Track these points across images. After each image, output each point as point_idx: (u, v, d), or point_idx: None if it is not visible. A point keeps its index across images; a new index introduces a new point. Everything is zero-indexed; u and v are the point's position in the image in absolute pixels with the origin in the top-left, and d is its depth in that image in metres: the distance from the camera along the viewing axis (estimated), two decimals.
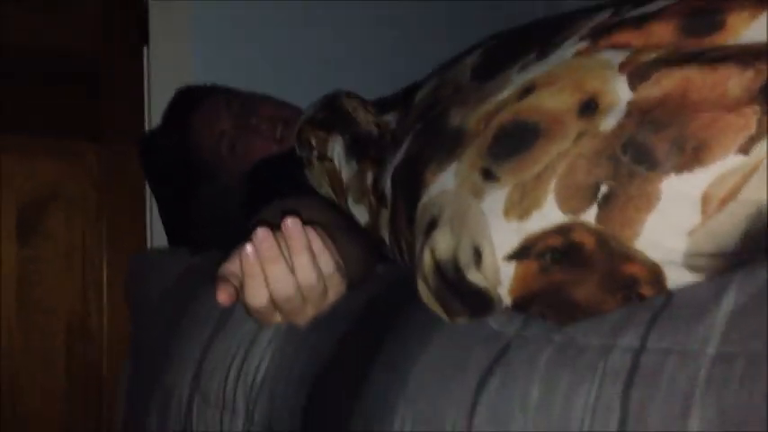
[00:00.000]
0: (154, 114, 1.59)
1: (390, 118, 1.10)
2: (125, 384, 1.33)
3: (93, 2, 1.59)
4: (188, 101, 1.39)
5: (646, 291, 0.61)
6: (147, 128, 1.62)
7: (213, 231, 1.32)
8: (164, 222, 1.53)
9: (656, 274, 0.60)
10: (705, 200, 0.56)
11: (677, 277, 0.60)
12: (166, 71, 1.64)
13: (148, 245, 1.63)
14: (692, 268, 0.59)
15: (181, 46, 1.66)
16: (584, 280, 0.62)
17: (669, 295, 0.61)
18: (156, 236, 1.61)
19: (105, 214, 1.58)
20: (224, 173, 1.34)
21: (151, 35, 1.64)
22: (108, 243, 1.58)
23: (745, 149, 0.55)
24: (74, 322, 1.55)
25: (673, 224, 0.58)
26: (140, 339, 1.29)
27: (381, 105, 1.17)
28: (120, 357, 1.50)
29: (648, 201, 0.58)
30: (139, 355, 1.26)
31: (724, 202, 0.56)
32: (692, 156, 0.57)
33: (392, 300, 0.86)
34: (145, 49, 1.65)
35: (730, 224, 0.56)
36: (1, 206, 1.48)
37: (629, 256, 0.60)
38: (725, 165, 0.56)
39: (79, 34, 1.58)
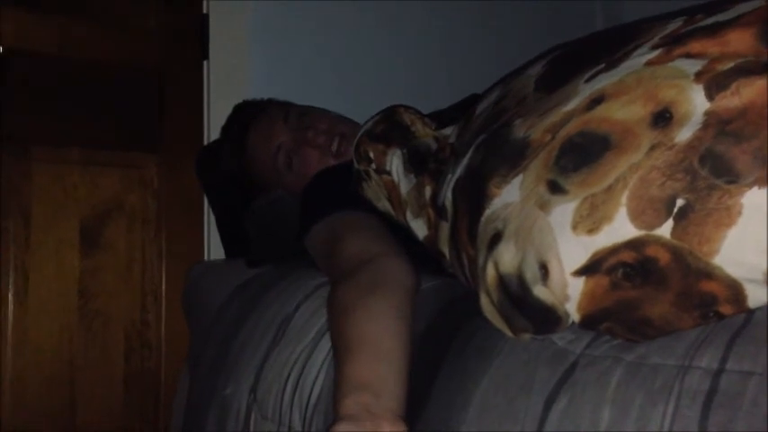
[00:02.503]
0: (213, 127, 1.61)
1: (449, 131, 1.09)
2: (183, 394, 1.34)
3: (155, 17, 1.62)
4: (246, 115, 1.41)
5: (724, 309, 0.58)
6: (205, 141, 1.64)
7: (269, 243, 1.32)
8: (221, 234, 1.54)
9: (735, 292, 0.57)
10: None
11: (759, 296, 0.57)
12: (225, 85, 1.66)
13: (206, 256, 1.65)
14: None
15: (240, 60, 1.68)
16: (659, 297, 0.60)
17: (750, 314, 0.58)
18: (214, 247, 1.63)
19: (164, 225, 1.61)
20: (281, 186, 1.34)
21: (211, 49, 1.66)
22: (167, 254, 1.60)
23: None
24: (132, 332, 1.57)
25: (755, 240, 0.55)
26: (198, 350, 1.30)
27: (440, 118, 1.16)
28: (178, 367, 1.51)
29: (729, 215, 0.56)
30: (197, 366, 1.27)
31: None
32: None
33: (452, 318, 0.85)
34: (205, 63, 1.67)
35: None
36: (65, 218, 1.51)
37: (707, 273, 0.57)
38: None
39: (140, 49, 1.61)
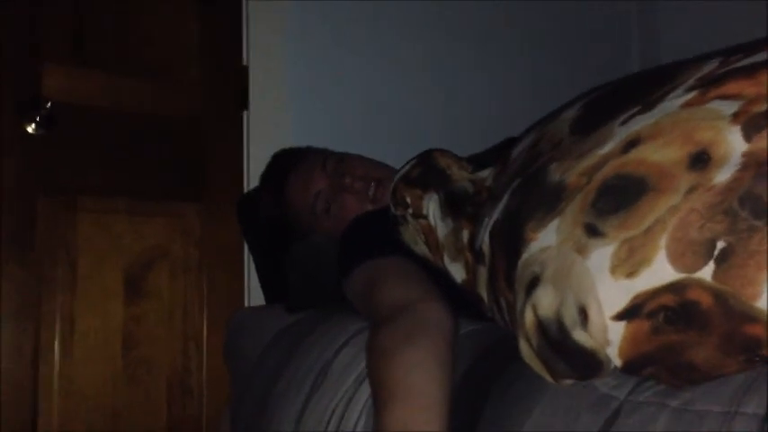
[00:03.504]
0: (253, 176, 1.64)
1: (486, 174, 1.09)
2: None
3: (196, 69, 1.67)
4: (284, 162, 1.43)
5: None
6: (246, 189, 1.67)
7: (308, 288, 1.33)
8: (260, 280, 1.55)
9: None
10: None
11: None
12: (265, 135, 1.69)
13: (246, 303, 1.66)
14: None
15: (278, 110, 1.72)
16: (702, 341, 0.59)
17: None
18: (254, 294, 1.64)
19: (206, 273, 1.63)
20: (319, 232, 1.35)
21: (251, 101, 1.70)
22: (208, 301, 1.62)
23: None
24: (175, 378, 1.59)
25: None
26: (239, 396, 1.30)
27: (476, 162, 1.16)
28: (220, 413, 1.51)
29: None
30: (238, 412, 1.27)
31: None
32: None
33: (492, 363, 0.84)
34: (245, 113, 1.71)
35: None
36: (109, 267, 1.55)
37: (751, 317, 0.56)
38: None
39: (182, 100, 1.66)
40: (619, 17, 2.23)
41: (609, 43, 2.20)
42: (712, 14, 2.03)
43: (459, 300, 0.98)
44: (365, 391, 0.94)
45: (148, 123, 1.61)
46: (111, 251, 1.55)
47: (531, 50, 2.08)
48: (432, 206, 1.10)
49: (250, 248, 1.59)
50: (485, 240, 0.88)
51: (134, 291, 1.56)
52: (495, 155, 1.12)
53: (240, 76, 1.71)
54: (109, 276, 1.54)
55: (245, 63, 1.71)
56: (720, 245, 0.57)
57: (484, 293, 0.92)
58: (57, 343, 1.48)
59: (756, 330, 0.56)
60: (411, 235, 1.12)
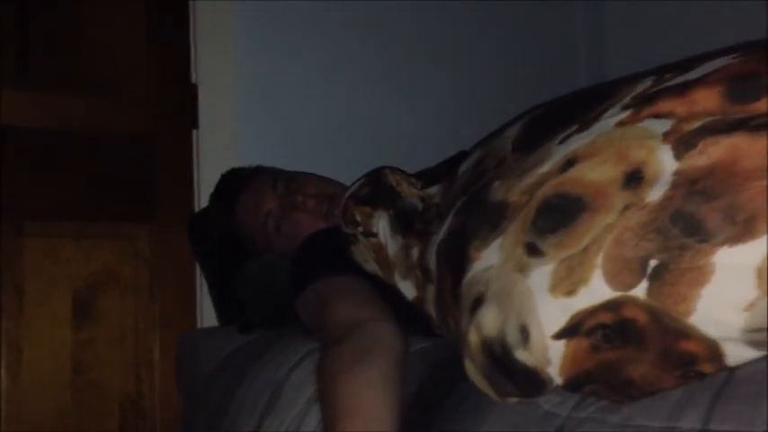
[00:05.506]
0: (203, 196, 1.62)
1: (435, 191, 1.10)
2: None
3: (144, 89, 1.65)
4: (234, 182, 1.42)
5: (705, 368, 0.58)
6: (196, 209, 1.65)
7: (261, 308, 1.32)
8: (213, 300, 1.54)
9: (714, 350, 0.57)
10: (761, 273, 0.54)
11: (737, 354, 0.57)
12: (216, 154, 1.68)
13: (199, 324, 1.64)
14: (753, 344, 0.56)
15: (229, 129, 1.71)
16: (639, 358, 0.60)
17: (730, 373, 0.58)
18: (207, 315, 1.62)
19: (157, 295, 1.60)
20: (271, 251, 1.35)
21: (201, 119, 1.69)
22: (160, 323, 1.60)
23: None
24: (127, 403, 1.56)
25: (729, 299, 0.55)
26: (191, 418, 1.29)
27: (426, 178, 1.17)
28: None
29: (702, 274, 0.56)
30: None
31: None
32: (744, 227, 0.54)
33: (443, 380, 0.84)
34: (195, 132, 1.69)
35: None
36: (58, 292, 1.52)
37: (685, 333, 0.57)
38: None
39: (130, 120, 1.63)
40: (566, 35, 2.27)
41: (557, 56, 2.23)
42: (656, 15, 2.08)
43: (410, 316, 0.98)
44: (316, 413, 0.93)
45: (96, 143, 1.58)
46: (60, 275, 1.52)
47: (477, 59, 2.09)
48: (382, 224, 1.10)
49: (202, 269, 1.58)
50: (432, 258, 0.89)
51: (84, 315, 1.53)
52: (445, 170, 1.13)
53: (189, 95, 1.69)
54: (57, 301, 1.51)
55: (194, 81, 1.70)
56: (653, 263, 0.58)
57: (433, 311, 0.92)
58: (3, 369, 1.45)
59: (690, 346, 0.58)
60: (362, 253, 1.12)
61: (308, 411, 0.97)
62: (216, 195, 1.46)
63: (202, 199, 1.62)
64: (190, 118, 1.69)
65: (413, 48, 1.98)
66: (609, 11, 2.22)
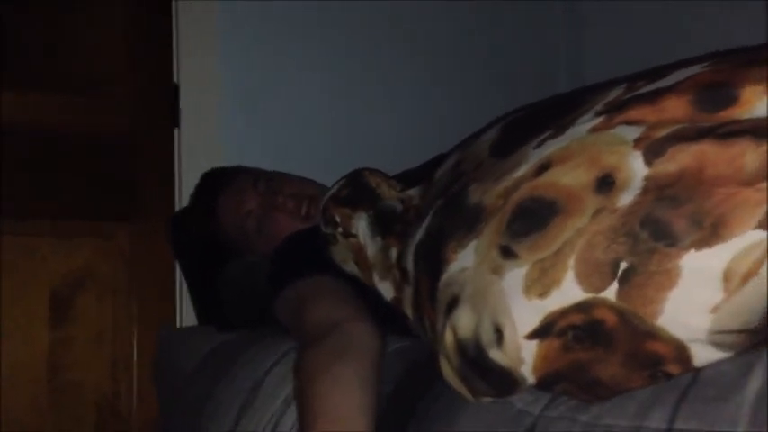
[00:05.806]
0: (184, 195, 1.62)
1: (414, 192, 1.11)
2: None
3: (125, 87, 1.65)
4: (215, 182, 1.42)
5: (672, 369, 0.60)
6: (177, 209, 1.65)
7: (241, 308, 1.33)
8: (193, 300, 1.54)
9: (681, 351, 0.59)
10: (727, 276, 0.55)
11: (703, 355, 0.58)
12: (196, 153, 1.68)
13: (178, 323, 1.64)
14: (718, 345, 0.57)
15: (211, 129, 1.71)
16: (608, 358, 0.61)
17: (696, 373, 0.59)
18: (186, 315, 1.62)
19: (135, 294, 1.60)
20: (251, 251, 1.35)
21: (182, 118, 1.69)
22: (138, 322, 1.59)
23: (764, 225, 0.54)
24: (104, 402, 1.55)
25: (695, 301, 0.57)
26: (169, 417, 1.29)
27: (405, 180, 1.18)
28: None
29: (669, 277, 0.57)
30: None
31: (746, 278, 0.55)
32: (710, 231, 0.56)
33: (418, 380, 0.85)
34: (176, 131, 1.69)
35: (754, 300, 0.55)
36: (34, 290, 1.51)
37: (653, 334, 0.59)
38: (745, 240, 0.55)
39: (111, 119, 1.63)
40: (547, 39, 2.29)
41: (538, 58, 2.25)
42: (637, 14, 2.10)
43: (388, 317, 0.99)
44: (293, 412, 0.94)
45: (76, 141, 1.58)
46: (37, 274, 1.51)
47: (460, 61, 2.10)
48: (361, 225, 1.11)
49: (182, 268, 1.58)
50: (409, 260, 0.90)
51: (60, 314, 1.52)
52: (425, 173, 1.14)
53: (171, 94, 1.69)
54: (34, 299, 1.50)
55: (175, 81, 1.70)
56: (623, 265, 0.60)
57: (410, 312, 0.93)
58: None
59: (658, 347, 0.59)
60: (341, 254, 1.13)
61: (285, 411, 0.97)
62: (196, 195, 1.47)
63: (183, 198, 1.62)
64: (171, 117, 1.69)
65: (396, 49, 1.99)
66: (589, 11, 2.23)
